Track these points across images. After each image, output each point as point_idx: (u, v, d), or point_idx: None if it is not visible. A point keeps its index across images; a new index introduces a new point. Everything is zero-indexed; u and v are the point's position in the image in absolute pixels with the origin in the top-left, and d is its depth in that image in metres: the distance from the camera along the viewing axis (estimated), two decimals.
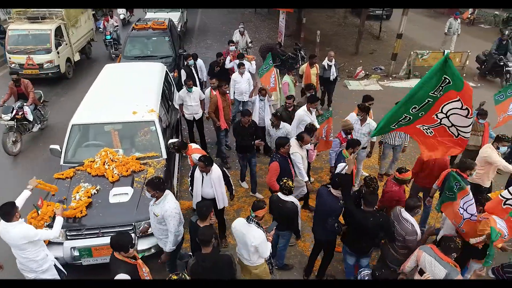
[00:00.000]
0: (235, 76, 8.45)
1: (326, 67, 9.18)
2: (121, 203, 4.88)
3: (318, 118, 6.85)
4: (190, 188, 5.35)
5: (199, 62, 9.49)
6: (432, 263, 3.77)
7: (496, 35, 13.44)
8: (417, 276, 3.87)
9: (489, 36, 15.42)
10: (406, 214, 4.31)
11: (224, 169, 5.29)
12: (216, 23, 18.75)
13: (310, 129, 5.85)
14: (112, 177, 5.19)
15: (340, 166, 5.22)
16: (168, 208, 4.26)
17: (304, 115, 6.55)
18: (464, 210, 4.08)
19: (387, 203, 5.01)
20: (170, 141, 6.02)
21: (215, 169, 5.02)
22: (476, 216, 3.98)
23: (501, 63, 11.25)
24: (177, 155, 6.64)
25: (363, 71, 12.36)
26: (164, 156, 5.79)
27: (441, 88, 3.87)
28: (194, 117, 7.72)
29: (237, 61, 8.82)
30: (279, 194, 4.72)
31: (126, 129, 6.02)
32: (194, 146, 5.79)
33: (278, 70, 9.41)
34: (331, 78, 9.24)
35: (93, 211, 4.79)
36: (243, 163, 6.79)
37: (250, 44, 12.08)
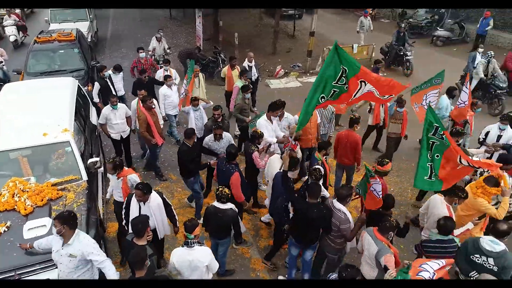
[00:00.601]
0: (164, 90, 7.93)
1: (247, 68, 9.32)
2: (39, 237, 4.39)
3: (254, 119, 6.98)
4: (125, 221, 4.72)
5: (120, 74, 8.96)
6: (369, 242, 4.11)
7: (395, 28, 14.87)
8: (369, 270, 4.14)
9: (389, 29, 16.95)
10: (338, 204, 4.48)
11: (164, 197, 4.80)
12: (130, 30, 17.96)
13: (254, 136, 5.89)
14: (25, 209, 4.63)
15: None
16: (86, 243, 3.91)
17: (263, 125, 6.36)
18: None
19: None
20: (90, 160, 5.58)
21: (154, 197, 4.59)
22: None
23: (401, 53, 12.46)
24: (99, 175, 6.20)
25: (282, 70, 12.80)
26: (85, 178, 5.33)
27: (343, 78, 4.39)
28: (121, 136, 7.18)
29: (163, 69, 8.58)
30: (216, 203, 4.66)
31: (36, 153, 5.43)
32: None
33: (203, 74, 9.33)
34: (253, 78, 9.40)
35: (4, 251, 4.24)
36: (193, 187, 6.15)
37: (168, 51, 11.79)
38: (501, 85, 9.56)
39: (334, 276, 3.69)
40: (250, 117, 7.45)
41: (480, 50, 10.52)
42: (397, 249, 4.16)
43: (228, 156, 5.30)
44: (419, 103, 7.09)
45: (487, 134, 6.45)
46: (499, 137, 6.35)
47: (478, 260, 3.90)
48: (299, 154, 6.24)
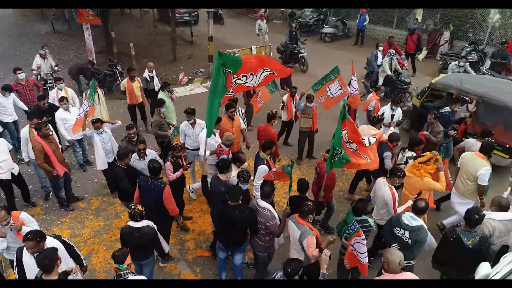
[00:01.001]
0: (60, 114, 7.02)
1: (148, 79, 8.96)
2: None
3: (174, 131, 6.76)
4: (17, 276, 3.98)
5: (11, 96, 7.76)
6: (293, 228, 4.30)
7: (287, 28, 15.78)
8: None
9: (281, 29, 17.93)
10: (262, 203, 4.55)
11: (64, 239, 4.22)
12: (7, 49, 15.88)
13: (173, 147, 5.69)
14: None
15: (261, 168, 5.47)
16: None
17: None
18: None
19: (330, 183, 5.47)
20: None
21: (50, 242, 3.94)
22: None
23: (296, 51, 13.28)
24: None
25: (185, 77, 12.62)
26: None
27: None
28: (12, 174, 6.13)
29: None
30: (130, 223, 4.37)
31: None
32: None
33: (102, 90, 8.69)
34: (156, 89, 9.07)
35: None
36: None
37: (56, 68, 10.70)
38: (406, 81, 10.59)
39: (279, 274, 3.71)
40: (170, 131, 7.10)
41: (380, 48, 11.33)
42: (317, 231, 4.38)
43: (152, 172, 4.98)
44: (324, 95, 7.64)
45: (382, 114, 7.30)
46: (392, 116, 7.36)
47: (398, 232, 4.33)
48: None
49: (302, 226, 4.20)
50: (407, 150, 6.01)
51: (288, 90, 8.23)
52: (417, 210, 4.37)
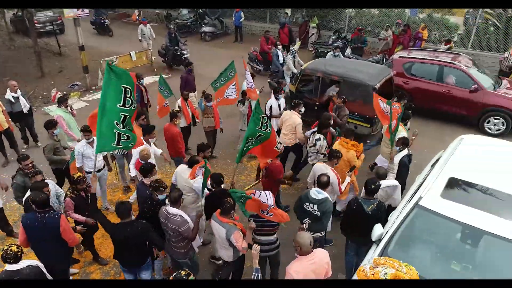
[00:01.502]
0: None
1: (13, 100, 7.77)
2: None
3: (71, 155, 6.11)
4: None
5: None
6: (217, 227, 4.32)
7: (165, 30, 15.37)
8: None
9: (159, 32, 17.38)
10: (171, 209, 4.37)
11: None
12: None
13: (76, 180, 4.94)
14: None
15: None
16: None
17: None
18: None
19: (277, 175, 5.62)
20: None
21: None
22: None
23: (178, 53, 13.06)
24: None
25: (59, 92, 11.31)
26: None
27: (129, 99, 4.28)
28: None
29: None
30: (8, 266, 3.74)
31: None
32: None
33: None
34: (25, 110, 7.95)
35: None
36: None
37: None
38: None
39: (257, 275, 3.71)
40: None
41: (279, 47, 11.54)
42: (241, 223, 4.45)
43: (39, 205, 4.26)
44: (221, 97, 7.69)
45: (270, 108, 7.61)
46: (279, 106, 7.70)
47: (308, 207, 4.72)
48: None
49: (226, 224, 4.23)
50: (316, 132, 6.38)
51: (186, 93, 7.96)
52: (320, 184, 4.76)
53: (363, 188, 4.77)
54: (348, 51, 12.80)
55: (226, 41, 17.14)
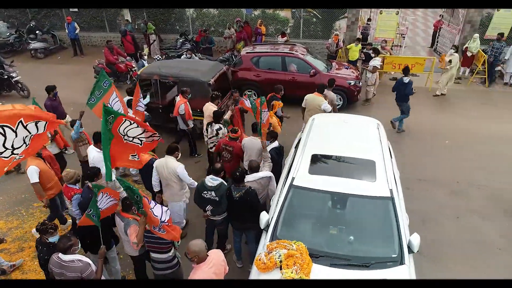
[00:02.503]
0: None
1: None
2: None
3: None
4: None
5: None
6: (118, 222, 4.56)
7: None
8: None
9: None
10: (66, 256, 3.80)
11: None
12: None
13: None
14: None
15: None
16: None
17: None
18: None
19: (240, 154, 6.15)
20: None
21: None
22: None
23: (5, 77, 11.11)
24: None
25: None
26: None
27: None
28: None
29: None
30: None
31: None
32: None
33: None
34: None
35: None
36: None
37: None
38: None
39: None
40: None
41: (145, 57, 10.98)
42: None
43: None
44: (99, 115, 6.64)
45: None
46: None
47: (206, 195, 4.98)
48: None
49: (126, 219, 4.44)
50: (213, 123, 6.73)
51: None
52: (215, 170, 5.08)
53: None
54: (198, 53, 13.07)
55: (64, 56, 15.37)
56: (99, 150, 5.74)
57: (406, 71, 8.73)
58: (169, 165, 5.36)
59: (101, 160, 4.84)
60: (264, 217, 4.58)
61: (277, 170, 5.83)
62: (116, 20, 16.30)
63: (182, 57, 11.62)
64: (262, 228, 4.57)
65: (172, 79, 8.44)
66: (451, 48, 11.13)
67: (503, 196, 6.89)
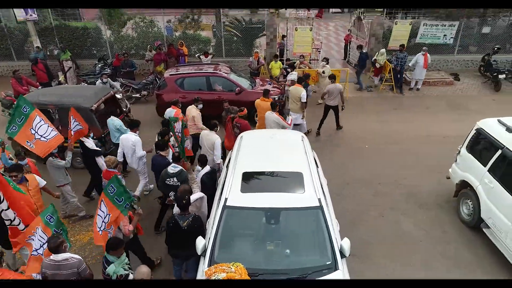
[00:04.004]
0: None
1: None
2: None
3: None
4: None
5: None
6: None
7: None
8: None
9: None
10: (59, 256, 4.07)
11: None
12: None
13: None
14: None
15: None
16: None
17: None
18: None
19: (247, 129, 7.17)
20: None
21: None
22: None
23: None
24: None
25: None
26: None
27: None
28: None
29: None
30: None
31: None
32: None
33: None
34: None
35: None
36: None
37: None
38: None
39: None
40: None
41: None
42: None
43: None
44: (31, 140, 6.02)
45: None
46: None
47: (169, 182, 5.59)
48: None
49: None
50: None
51: None
52: (202, 162, 5.98)
53: (177, 207, 4.90)
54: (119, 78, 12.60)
55: None
56: (136, 134, 6.99)
57: (300, 80, 9.55)
58: (209, 137, 6.89)
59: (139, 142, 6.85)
60: (200, 242, 4.50)
61: (210, 194, 5.77)
62: (24, 47, 15.11)
63: (97, 82, 11.09)
64: (199, 253, 4.48)
65: (52, 107, 8.17)
66: (323, 61, 12.22)
67: (417, 191, 7.62)
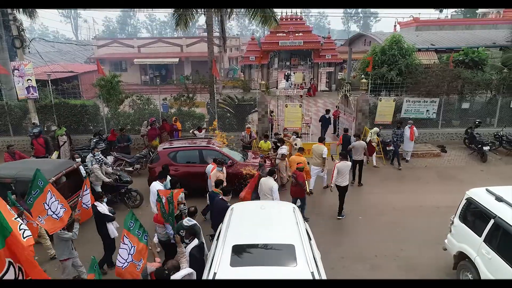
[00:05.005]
0: None
1: None
2: None
3: None
4: None
5: None
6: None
7: None
8: None
9: None
10: None
11: None
12: None
13: None
14: None
15: None
16: None
17: None
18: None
19: (302, 180, 8.68)
20: None
21: None
22: None
23: None
24: None
25: None
26: None
27: None
28: None
29: None
30: None
31: None
32: None
33: None
34: None
35: None
36: None
37: None
38: (128, 180, 10.50)
39: None
40: None
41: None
42: None
43: None
44: (43, 216, 6.03)
45: None
46: None
47: (182, 233, 6.04)
48: None
49: None
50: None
51: None
52: (189, 213, 6.54)
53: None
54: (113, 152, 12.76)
55: None
56: (161, 184, 7.98)
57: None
58: (267, 183, 7.92)
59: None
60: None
61: (199, 268, 5.51)
62: (22, 123, 15.49)
63: (88, 156, 11.12)
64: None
65: (9, 181, 8.30)
66: (293, 134, 12.47)
67: (414, 264, 7.35)
